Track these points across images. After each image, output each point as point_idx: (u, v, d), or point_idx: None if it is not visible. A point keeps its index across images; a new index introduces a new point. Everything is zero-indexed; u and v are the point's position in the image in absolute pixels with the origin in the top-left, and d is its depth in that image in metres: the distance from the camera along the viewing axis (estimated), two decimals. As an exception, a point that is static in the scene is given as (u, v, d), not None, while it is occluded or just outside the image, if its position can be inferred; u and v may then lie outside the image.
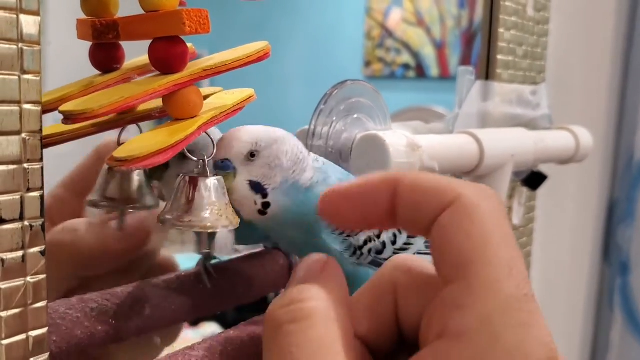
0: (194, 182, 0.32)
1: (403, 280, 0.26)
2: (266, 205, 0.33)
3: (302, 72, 2.63)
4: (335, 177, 0.36)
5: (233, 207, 0.32)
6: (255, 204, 0.33)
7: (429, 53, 2.52)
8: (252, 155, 0.33)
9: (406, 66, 2.57)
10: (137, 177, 0.35)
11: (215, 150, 0.33)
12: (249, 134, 0.33)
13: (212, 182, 0.31)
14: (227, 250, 0.40)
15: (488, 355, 0.21)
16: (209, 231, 0.31)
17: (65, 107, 0.27)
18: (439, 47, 2.49)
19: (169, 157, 0.28)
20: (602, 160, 1.08)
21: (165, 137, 0.28)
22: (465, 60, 2.40)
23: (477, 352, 0.21)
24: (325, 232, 0.34)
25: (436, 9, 2.48)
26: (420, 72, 2.54)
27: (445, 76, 2.45)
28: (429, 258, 0.24)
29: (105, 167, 0.34)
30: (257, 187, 0.33)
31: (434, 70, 2.51)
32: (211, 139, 0.33)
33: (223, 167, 0.32)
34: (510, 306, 0.22)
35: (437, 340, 0.22)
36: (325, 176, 0.35)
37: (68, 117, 0.27)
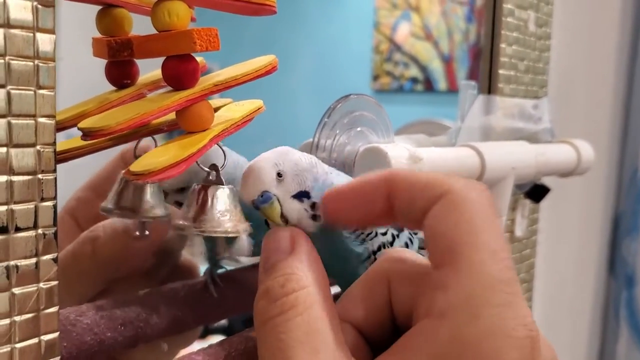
0: (208, 191, 0.33)
1: (395, 270, 0.27)
2: (314, 206, 0.32)
3: (310, 86, 2.65)
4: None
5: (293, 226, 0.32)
6: (307, 211, 0.32)
7: (436, 67, 2.53)
8: (279, 175, 0.33)
9: (414, 80, 2.58)
10: (150, 188, 0.36)
11: (225, 162, 0.34)
12: (265, 161, 0.33)
13: (226, 190, 0.32)
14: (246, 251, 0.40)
15: (469, 332, 0.22)
16: (230, 235, 0.32)
17: (83, 124, 0.29)
18: (447, 61, 2.50)
19: (182, 170, 0.29)
20: (607, 174, 1.08)
21: (178, 151, 0.29)
22: (472, 74, 2.40)
23: (458, 328, 0.22)
24: (347, 237, 0.35)
25: (444, 23, 2.50)
26: (428, 85, 2.55)
27: (453, 90, 2.46)
28: None
29: (120, 175, 0.36)
30: (300, 196, 0.32)
31: (441, 83, 2.52)
32: (222, 149, 0.34)
33: (265, 200, 0.32)
34: (493, 287, 0.23)
35: (423, 319, 0.23)
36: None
37: (87, 134, 0.28)
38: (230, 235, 0.32)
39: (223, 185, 0.33)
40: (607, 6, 1.03)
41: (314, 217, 0.33)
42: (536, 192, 0.65)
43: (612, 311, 1.14)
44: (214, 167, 0.34)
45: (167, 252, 0.41)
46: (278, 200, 0.32)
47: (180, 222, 0.32)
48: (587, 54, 0.95)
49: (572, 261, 1.01)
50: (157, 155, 0.29)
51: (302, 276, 0.25)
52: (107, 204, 0.36)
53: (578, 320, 1.09)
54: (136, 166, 0.28)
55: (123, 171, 0.29)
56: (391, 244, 0.37)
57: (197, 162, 0.32)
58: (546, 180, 0.66)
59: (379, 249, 0.36)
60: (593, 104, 1.01)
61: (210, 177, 0.33)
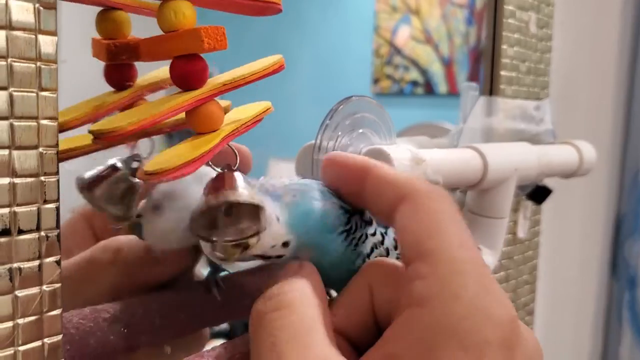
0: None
1: (376, 276, 0.28)
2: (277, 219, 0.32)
3: (311, 90, 2.65)
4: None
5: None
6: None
7: (437, 70, 2.53)
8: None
9: (415, 83, 2.58)
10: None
11: (238, 161, 0.34)
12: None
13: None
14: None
15: (452, 315, 0.22)
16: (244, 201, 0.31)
17: (95, 126, 0.28)
18: (447, 64, 2.50)
19: (195, 169, 0.29)
20: (608, 175, 1.08)
21: (190, 150, 0.29)
22: (473, 77, 2.40)
23: (438, 311, 0.23)
24: (340, 245, 0.34)
25: (444, 26, 2.50)
26: (429, 88, 2.55)
27: (454, 92, 2.46)
28: None
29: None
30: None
31: (442, 86, 2.51)
32: (234, 150, 0.34)
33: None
34: (466, 271, 0.23)
35: (404, 310, 0.24)
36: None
37: (98, 137, 0.28)
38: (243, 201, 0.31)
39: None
40: (608, 7, 1.03)
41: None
42: (538, 193, 0.65)
43: (614, 313, 1.13)
44: (227, 167, 0.33)
45: (182, 272, 0.41)
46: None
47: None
48: (589, 55, 0.95)
49: (575, 263, 1.01)
50: (170, 154, 0.29)
51: (301, 284, 0.27)
52: (117, 211, 0.35)
53: (581, 322, 1.08)
54: (150, 165, 0.28)
55: (138, 173, 0.29)
56: (382, 242, 0.36)
57: (209, 162, 0.31)
58: (548, 182, 0.65)
59: (372, 250, 0.36)
60: (594, 105, 1.00)
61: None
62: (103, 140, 0.28)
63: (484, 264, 0.24)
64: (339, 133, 0.44)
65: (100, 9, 0.35)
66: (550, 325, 0.78)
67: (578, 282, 1.03)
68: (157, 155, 0.30)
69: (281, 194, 0.32)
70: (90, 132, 0.28)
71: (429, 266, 0.24)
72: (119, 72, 0.35)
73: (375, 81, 2.63)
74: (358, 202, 0.30)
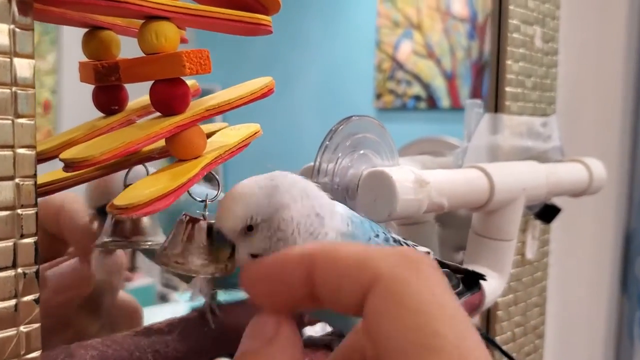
0: (192, 223, 0.31)
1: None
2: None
3: (313, 105, 2.64)
4: (365, 239, 0.33)
5: None
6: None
7: (439, 84, 2.52)
8: (249, 229, 0.30)
9: (417, 98, 2.57)
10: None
11: (218, 192, 0.33)
12: (244, 204, 0.30)
13: (206, 225, 0.31)
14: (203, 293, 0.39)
15: None
16: (195, 275, 0.30)
17: (65, 154, 0.27)
18: (450, 78, 2.49)
19: (170, 202, 0.27)
20: (617, 192, 1.06)
21: (167, 181, 0.28)
22: (475, 91, 2.39)
23: None
24: None
25: (446, 40, 2.49)
26: (432, 103, 2.54)
27: (456, 107, 2.44)
28: None
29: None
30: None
31: (444, 101, 2.50)
32: (216, 178, 0.33)
33: (218, 239, 0.31)
34: None
35: None
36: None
37: (69, 165, 0.27)
38: (194, 275, 0.30)
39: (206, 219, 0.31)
40: (613, 19, 1.01)
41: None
42: (547, 212, 0.63)
43: (626, 331, 1.11)
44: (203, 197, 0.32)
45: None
46: (232, 247, 0.31)
47: (160, 252, 0.30)
48: (594, 69, 0.93)
49: (584, 281, 0.99)
50: (144, 186, 0.27)
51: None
52: (102, 238, 0.34)
53: (593, 340, 1.06)
54: (120, 199, 0.26)
55: (108, 205, 0.27)
56: None
57: (188, 191, 0.30)
58: (556, 200, 0.64)
59: None
60: (602, 121, 0.99)
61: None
62: (74, 169, 0.27)
63: (487, 352, 0.19)
64: (339, 154, 0.42)
65: (86, 30, 0.33)
66: (561, 347, 0.75)
67: (589, 300, 1.01)
68: (131, 186, 0.28)
69: None
70: (60, 159, 0.27)
71: None
72: (108, 95, 0.33)
73: (378, 96, 2.62)
74: (309, 306, 0.23)
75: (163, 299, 1.84)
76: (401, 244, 0.36)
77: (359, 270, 0.20)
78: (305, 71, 2.68)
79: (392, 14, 2.59)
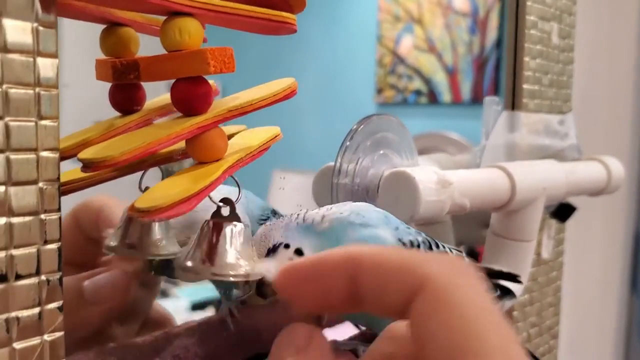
0: (218, 228, 0.30)
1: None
2: (299, 252, 0.31)
3: (314, 100, 2.63)
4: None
5: None
6: (291, 259, 0.31)
7: (440, 79, 2.51)
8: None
9: (418, 92, 2.56)
10: (157, 222, 0.33)
11: (239, 196, 0.32)
12: None
13: (237, 228, 0.30)
14: None
15: None
16: (231, 280, 0.29)
17: (84, 154, 0.26)
18: (451, 73, 2.48)
19: (193, 206, 0.26)
20: (629, 191, 1.06)
21: (189, 184, 0.27)
22: (477, 86, 2.38)
23: None
24: None
25: (447, 35, 2.48)
26: (433, 98, 2.53)
27: (457, 102, 2.44)
28: None
29: (125, 210, 0.33)
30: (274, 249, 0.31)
31: (446, 96, 2.49)
32: (237, 182, 0.32)
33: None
34: None
35: None
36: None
37: (88, 165, 0.25)
38: (231, 280, 0.29)
39: (238, 221, 0.30)
40: (626, 15, 1.00)
41: None
42: (562, 211, 0.62)
43: (636, 329, 1.11)
44: (226, 201, 0.31)
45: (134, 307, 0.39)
46: None
47: (189, 263, 0.29)
48: (607, 67, 0.92)
49: (596, 280, 0.98)
50: (166, 188, 0.26)
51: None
52: (111, 241, 0.33)
53: (603, 339, 1.06)
54: (142, 202, 0.25)
55: (128, 208, 0.26)
56: None
57: (209, 195, 0.29)
58: (571, 199, 0.63)
59: None
60: (613, 120, 0.98)
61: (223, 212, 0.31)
62: (92, 170, 0.26)
63: None
64: (360, 155, 0.41)
65: (104, 26, 0.32)
66: (574, 347, 0.75)
67: (600, 299, 1.00)
68: (151, 189, 0.27)
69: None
70: (78, 159, 0.26)
71: None
72: (125, 94, 0.32)
73: (379, 91, 2.61)
74: (347, 309, 0.23)
75: (163, 294, 1.83)
76: (446, 250, 0.35)
77: (406, 274, 0.21)
78: (306, 66, 2.67)
79: (393, 8, 2.58)
